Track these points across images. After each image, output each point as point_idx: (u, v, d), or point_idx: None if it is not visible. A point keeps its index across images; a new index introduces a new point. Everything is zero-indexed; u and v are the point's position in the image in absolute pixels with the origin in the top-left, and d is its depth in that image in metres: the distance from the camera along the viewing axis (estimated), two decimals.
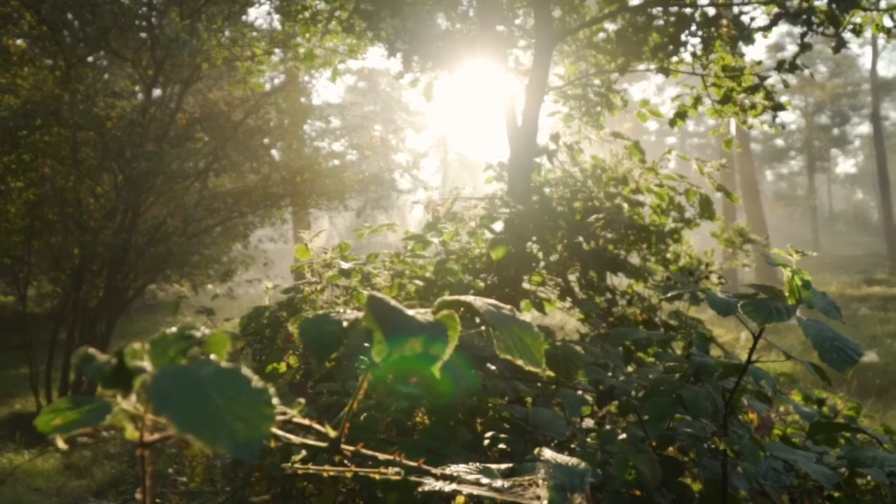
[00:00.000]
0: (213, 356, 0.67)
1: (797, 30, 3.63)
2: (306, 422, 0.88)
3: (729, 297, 1.87)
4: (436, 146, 69.43)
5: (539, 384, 2.89)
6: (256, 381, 0.61)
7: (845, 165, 73.68)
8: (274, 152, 12.95)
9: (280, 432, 0.85)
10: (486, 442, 2.52)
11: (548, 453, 1.01)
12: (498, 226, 4.24)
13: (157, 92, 10.76)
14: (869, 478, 2.05)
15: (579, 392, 2.84)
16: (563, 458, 0.99)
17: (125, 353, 0.66)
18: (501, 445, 2.65)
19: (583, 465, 0.98)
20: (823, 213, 62.51)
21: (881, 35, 3.61)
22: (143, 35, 9.65)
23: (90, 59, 11.28)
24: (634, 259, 4.92)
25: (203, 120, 11.09)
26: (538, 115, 4.25)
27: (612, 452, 1.89)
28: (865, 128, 52.03)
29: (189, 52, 6.52)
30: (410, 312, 0.84)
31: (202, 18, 6.75)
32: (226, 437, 0.56)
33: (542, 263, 4.00)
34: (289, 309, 3.36)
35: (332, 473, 0.98)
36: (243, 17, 9.89)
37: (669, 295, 1.97)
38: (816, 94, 44.61)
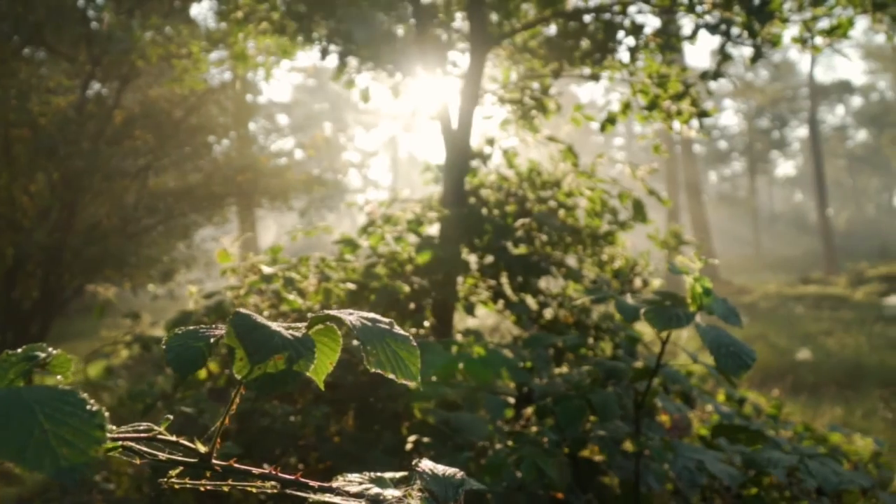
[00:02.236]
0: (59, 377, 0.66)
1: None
2: (171, 438, 0.88)
3: (637, 303, 1.91)
4: (386, 145, 69.23)
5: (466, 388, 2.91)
6: (91, 404, 0.61)
7: (785, 167, 75.84)
8: (217, 150, 12.77)
9: (146, 449, 0.85)
10: (409, 446, 2.54)
11: (425, 463, 1.02)
12: (435, 229, 4.25)
13: (96, 88, 10.51)
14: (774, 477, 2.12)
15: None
16: (440, 468, 1.01)
17: None
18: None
19: (459, 475, 1.00)
20: (764, 213, 64.20)
21: (799, 45, 3.74)
22: (80, 30, 9.40)
23: (25, 52, 10.95)
24: (572, 261, 4.99)
25: (143, 117, 10.86)
26: (472, 119, 4.28)
27: (523, 456, 1.92)
28: (804, 131, 53.65)
29: (124, 50, 6.39)
30: (277, 328, 0.85)
31: (137, 15, 6.61)
32: (49, 462, 0.55)
33: (475, 266, 4.03)
34: (217, 313, 3.32)
35: (209, 488, 0.98)
36: (191, 14, 9.71)
37: (580, 301, 2.01)
38: (757, 98, 45.80)
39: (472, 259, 4.03)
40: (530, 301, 4.06)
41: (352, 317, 0.94)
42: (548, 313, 4.10)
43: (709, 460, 2.10)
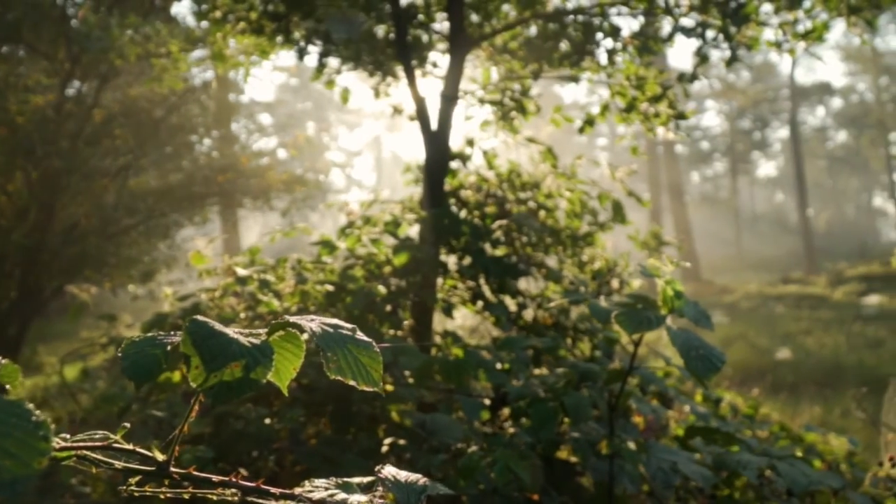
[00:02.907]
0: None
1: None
2: (127, 446, 0.87)
3: (610, 306, 1.92)
4: (370, 145, 69.13)
5: (443, 390, 2.91)
6: (36, 415, 0.60)
7: (766, 168, 76.52)
8: (198, 150, 12.68)
9: (102, 458, 0.84)
10: (385, 449, 2.53)
11: (388, 469, 1.02)
12: (415, 230, 4.25)
13: (75, 87, 10.41)
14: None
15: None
16: (403, 474, 1.01)
17: None
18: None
19: (421, 481, 1.00)
20: (746, 214, 64.73)
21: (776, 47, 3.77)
22: (59, 28, 9.30)
23: (3, 50, 10.83)
24: (553, 262, 5.00)
25: (122, 117, 10.77)
26: (452, 120, 4.28)
27: (496, 459, 1.92)
28: (785, 132, 54.13)
29: (102, 49, 6.33)
30: (235, 335, 0.84)
31: (115, 14, 6.55)
32: None
33: (454, 268, 4.03)
34: (193, 315, 3.30)
35: (168, 496, 0.97)
36: (172, 13, 9.62)
37: (554, 304, 2.02)
38: (738, 99, 46.14)
39: (452, 260, 4.03)
40: (509, 302, 4.07)
41: (313, 323, 0.93)
42: (527, 314, 4.11)
43: (682, 461, 2.11)
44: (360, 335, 0.97)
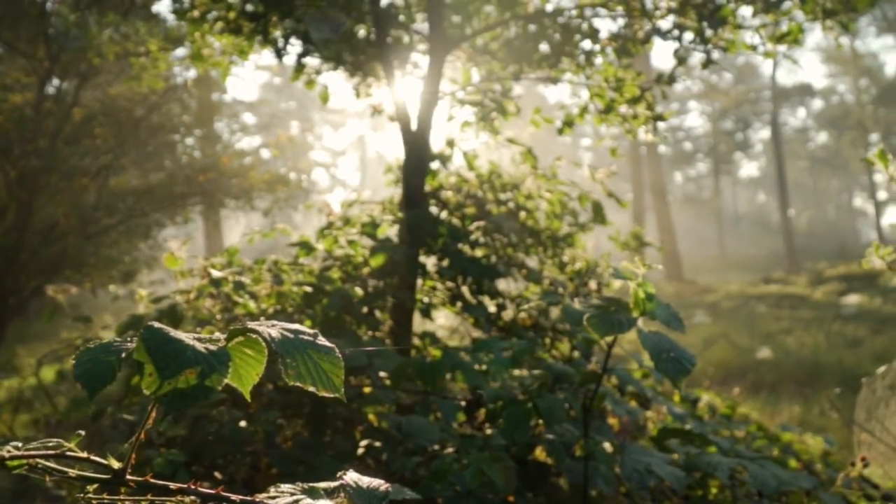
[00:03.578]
0: None
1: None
2: (81, 454, 0.86)
3: (584, 308, 1.92)
4: (354, 144, 68.96)
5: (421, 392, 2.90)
6: None
7: (748, 169, 77.11)
8: (180, 149, 12.60)
9: (55, 466, 0.83)
10: (361, 451, 2.52)
11: (350, 475, 1.01)
12: (395, 231, 4.24)
13: (55, 85, 10.31)
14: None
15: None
16: (365, 480, 1.00)
17: None
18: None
19: (384, 486, 0.99)
20: (728, 214, 65.19)
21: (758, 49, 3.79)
22: (38, 26, 9.20)
23: None
24: (534, 263, 5.01)
25: (102, 115, 10.68)
26: (432, 120, 4.28)
27: (468, 461, 1.92)
28: (766, 133, 54.58)
29: (80, 47, 6.27)
30: (191, 341, 0.83)
31: (93, 12, 6.49)
32: None
33: (433, 269, 4.03)
34: (170, 317, 3.27)
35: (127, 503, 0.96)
36: (153, 10, 9.54)
37: (527, 306, 2.02)
38: (721, 100, 46.45)
39: (431, 262, 4.03)
40: (489, 303, 4.07)
41: (273, 329, 0.93)
42: (506, 315, 4.11)
43: (656, 462, 2.12)
44: (322, 340, 0.96)
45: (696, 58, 3.91)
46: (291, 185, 10.80)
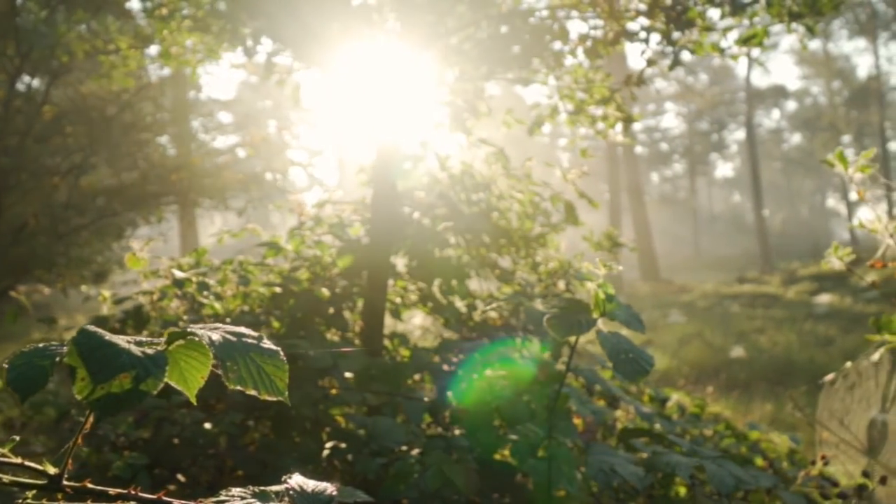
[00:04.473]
0: None
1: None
2: (17, 460, 0.85)
3: (546, 309, 1.93)
4: (332, 144, 68.60)
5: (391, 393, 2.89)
6: None
7: (724, 169, 77.87)
8: (154, 148, 12.47)
9: None
10: (326, 453, 2.51)
11: (295, 479, 1.00)
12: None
13: (25, 82, 10.17)
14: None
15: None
16: (311, 484, 1.00)
17: None
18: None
19: (330, 490, 0.99)
20: (704, 214, 65.80)
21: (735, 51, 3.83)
22: (7, 23, 9.06)
23: None
24: (507, 263, 5.02)
25: (73, 113, 10.55)
26: (403, 121, 4.27)
27: (429, 463, 1.92)
28: (741, 134, 55.13)
29: (49, 45, 6.18)
30: (127, 345, 0.82)
31: (62, 10, 6.41)
32: None
33: (405, 269, 4.02)
34: (135, 318, 3.24)
35: None
36: (127, 7, 9.43)
37: (492, 306, 2.02)
38: (696, 101, 46.86)
39: (402, 262, 4.02)
40: (459, 303, 4.07)
41: (215, 332, 0.92)
42: (477, 315, 4.11)
43: (619, 462, 2.13)
44: (267, 343, 0.95)
45: (669, 59, 3.94)
46: (266, 184, 10.73)
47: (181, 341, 0.90)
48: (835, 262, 2.12)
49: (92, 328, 0.81)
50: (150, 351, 0.84)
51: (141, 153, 11.78)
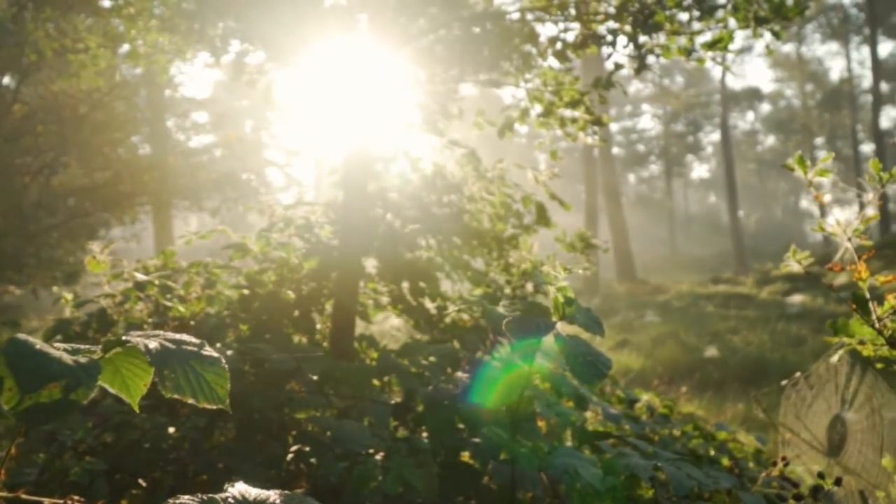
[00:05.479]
0: None
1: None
2: None
3: (506, 312, 1.93)
4: (309, 144, 68.26)
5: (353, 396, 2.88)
6: None
7: (700, 171, 78.56)
8: (125, 148, 12.34)
9: None
10: (291, 457, 2.49)
11: (238, 486, 1.00)
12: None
13: None
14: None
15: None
16: (253, 492, 0.99)
17: None
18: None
19: (273, 497, 0.98)
20: (680, 215, 66.38)
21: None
22: None
23: None
24: (480, 264, 5.02)
25: (44, 112, 10.42)
26: (375, 122, 4.26)
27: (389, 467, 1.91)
28: (716, 136, 55.68)
29: (16, 43, 6.10)
30: (59, 354, 0.81)
31: (30, 7, 6.32)
32: None
33: (375, 271, 4.01)
34: (100, 321, 3.20)
35: None
36: (101, 5, 9.31)
37: (454, 309, 2.02)
38: (672, 103, 47.23)
39: (372, 263, 4.01)
40: (430, 305, 4.06)
41: (153, 340, 0.91)
42: (447, 317, 4.11)
43: (581, 465, 2.13)
44: (208, 351, 0.95)
45: (649, 61, 3.96)
46: (241, 184, 10.66)
47: (118, 349, 0.89)
48: (793, 265, 2.14)
49: (22, 337, 0.80)
50: (83, 360, 0.83)
51: (114, 152, 11.66)
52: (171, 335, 0.94)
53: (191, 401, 0.91)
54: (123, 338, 0.88)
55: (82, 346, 0.89)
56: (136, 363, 0.96)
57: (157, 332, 0.94)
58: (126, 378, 0.96)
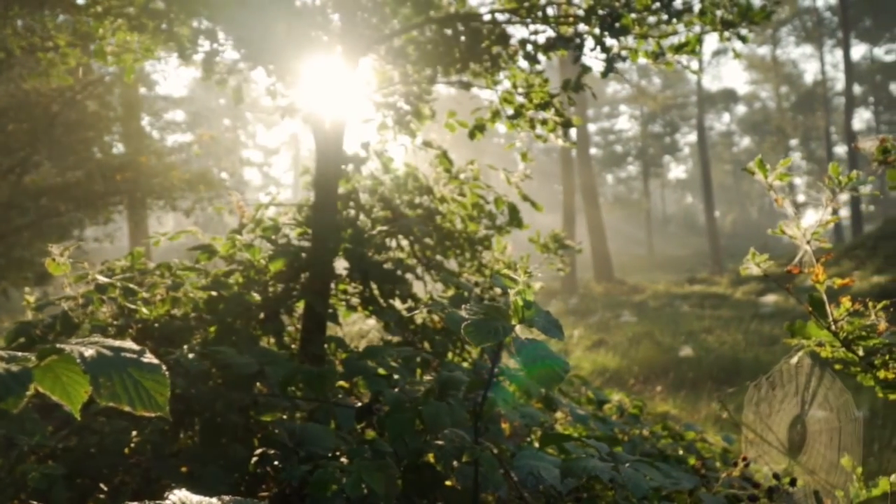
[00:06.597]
0: None
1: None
2: None
3: (467, 315, 1.93)
4: (288, 143, 68.11)
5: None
6: None
7: (677, 171, 79.19)
8: (101, 147, 12.20)
9: None
10: (255, 460, 2.48)
11: (178, 493, 0.99)
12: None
13: None
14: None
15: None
16: (196, 498, 0.98)
17: None
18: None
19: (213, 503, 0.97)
20: (657, 215, 66.89)
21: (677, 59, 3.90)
22: None
23: None
24: (454, 265, 5.03)
25: (15, 111, 10.28)
26: (345, 122, 4.25)
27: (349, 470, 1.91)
28: (693, 137, 56.18)
29: None
30: None
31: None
32: None
33: (345, 272, 4.00)
34: (63, 323, 3.16)
35: None
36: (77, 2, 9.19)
37: (418, 311, 2.02)
38: (650, 105, 47.56)
39: (342, 265, 4.00)
40: (400, 306, 4.06)
41: (88, 348, 0.90)
42: (418, 318, 4.11)
43: (544, 466, 2.14)
44: (148, 358, 0.94)
45: (617, 64, 3.99)
46: (215, 184, 10.58)
47: (54, 357, 0.88)
48: (753, 268, 2.17)
49: None
50: (15, 368, 0.82)
51: (86, 151, 11.53)
52: (110, 342, 0.94)
53: (128, 409, 0.90)
54: (58, 346, 0.87)
55: (19, 354, 0.88)
56: (75, 370, 0.95)
57: (96, 338, 0.93)
58: (66, 385, 0.95)
